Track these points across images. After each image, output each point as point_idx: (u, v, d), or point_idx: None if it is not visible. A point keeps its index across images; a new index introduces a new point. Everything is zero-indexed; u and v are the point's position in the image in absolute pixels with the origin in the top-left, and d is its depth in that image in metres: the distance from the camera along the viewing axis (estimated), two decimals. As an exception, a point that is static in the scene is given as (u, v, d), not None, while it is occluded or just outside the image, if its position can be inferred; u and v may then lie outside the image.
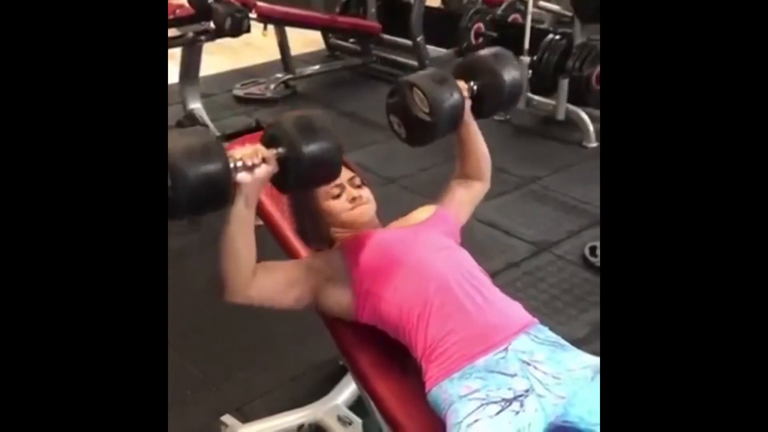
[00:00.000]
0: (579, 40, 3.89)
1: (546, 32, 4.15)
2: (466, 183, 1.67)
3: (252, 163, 1.27)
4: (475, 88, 1.58)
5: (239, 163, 1.26)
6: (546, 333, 1.38)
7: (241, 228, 1.31)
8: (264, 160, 1.28)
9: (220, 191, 1.24)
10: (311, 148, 1.30)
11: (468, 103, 1.57)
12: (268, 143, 1.32)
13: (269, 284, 1.41)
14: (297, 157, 1.30)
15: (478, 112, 1.61)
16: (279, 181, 1.34)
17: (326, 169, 1.37)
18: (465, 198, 1.66)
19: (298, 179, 1.34)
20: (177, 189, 1.18)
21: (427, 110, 1.49)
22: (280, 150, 1.30)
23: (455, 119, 1.54)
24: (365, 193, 1.56)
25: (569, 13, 4.10)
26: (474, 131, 1.63)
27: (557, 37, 4.00)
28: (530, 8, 3.82)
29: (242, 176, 1.27)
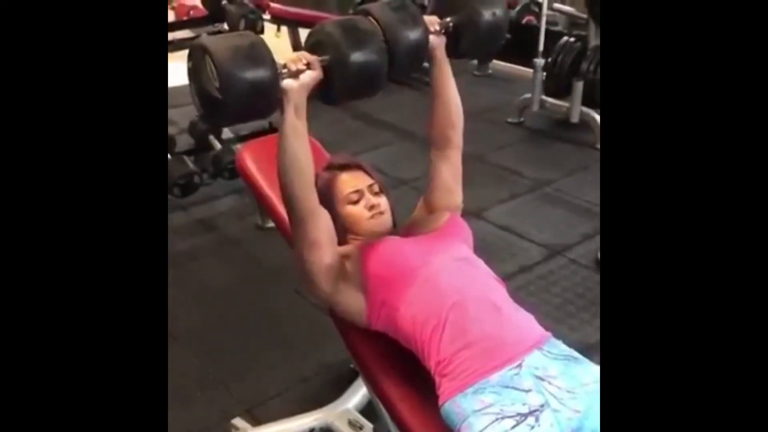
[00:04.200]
0: (593, 42, 3.87)
1: (560, 34, 4.13)
2: (442, 156, 1.59)
3: (296, 68, 1.23)
4: (450, 24, 1.46)
5: (284, 70, 1.21)
6: (559, 347, 1.36)
7: (296, 137, 1.29)
8: (308, 66, 1.25)
9: (268, 95, 1.18)
10: (357, 55, 1.24)
11: (441, 40, 1.48)
12: (312, 49, 1.27)
13: (323, 220, 1.40)
14: (343, 63, 1.23)
15: (454, 52, 1.50)
16: (324, 91, 1.28)
17: (373, 78, 1.29)
18: (449, 177, 1.59)
19: (344, 88, 1.28)
20: (226, 91, 1.13)
21: (381, 38, 1.36)
22: (325, 56, 1.24)
23: (417, 52, 1.40)
24: (383, 201, 1.55)
25: (584, 16, 4.08)
26: (446, 73, 1.53)
27: (572, 39, 3.99)
28: (545, 10, 3.80)
29: (288, 83, 1.23)
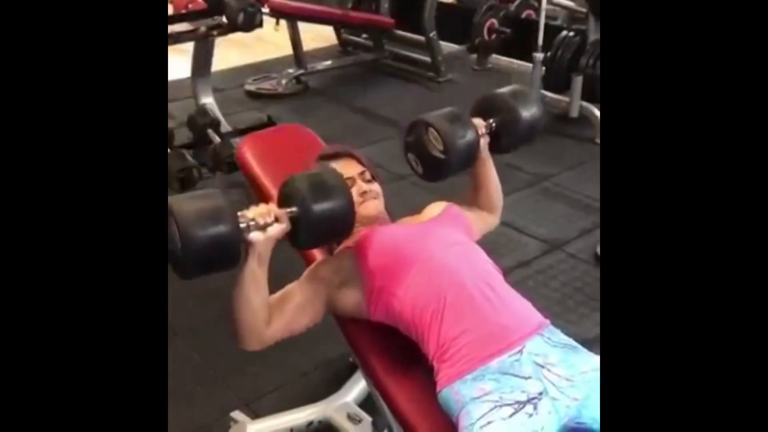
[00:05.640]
0: (593, 36, 3.86)
1: (560, 29, 4.12)
2: (476, 210, 1.67)
3: (264, 222, 1.28)
4: (493, 125, 1.60)
5: (252, 223, 1.27)
6: (559, 335, 1.37)
7: (255, 286, 1.32)
8: (277, 219, 1.29)
9: (229, 254, 1.24)
10: (322, 207, 1.32)
11: (486, 140, 1.59)
12: (282, 202, 1.34)
13: (283, 323, 1.40)
14: (308, 216, 1.31)
15: (496, 148, 1.63)
16: (293, 239, 1.36)
17: (338, 227, 1.38)
18: (476, 220, 1.65)
19: (311, 237, 1.36)
20: (187, 253, 1.19)
21: (441, 148, 1.52)
22: (293, 209, 1.31)
23: (469, 156, 1.57)
24: (375, 187, 1.58)
25: (583, 10, 4.07)
26: (489, 167, 1.64)
27: (571, 33, 3.98)
28: (544, 4, 3.79)
29: (255, 235, 1.27)
